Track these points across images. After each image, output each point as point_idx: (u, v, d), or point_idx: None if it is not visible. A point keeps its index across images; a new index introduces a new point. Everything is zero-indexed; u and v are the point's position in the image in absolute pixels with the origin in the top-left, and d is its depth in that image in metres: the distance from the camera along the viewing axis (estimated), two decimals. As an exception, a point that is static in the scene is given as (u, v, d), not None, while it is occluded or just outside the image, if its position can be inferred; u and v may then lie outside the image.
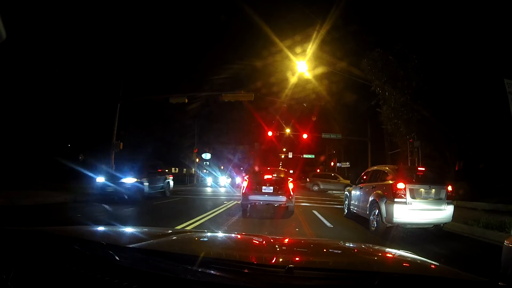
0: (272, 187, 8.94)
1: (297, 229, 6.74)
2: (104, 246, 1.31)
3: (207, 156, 34.04)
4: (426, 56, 11.97)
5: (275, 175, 9.93)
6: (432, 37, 11.82)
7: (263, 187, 8.97)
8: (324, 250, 2.02)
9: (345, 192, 9.72)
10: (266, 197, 8.89)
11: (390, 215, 6.01)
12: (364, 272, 1.27)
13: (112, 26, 19.45)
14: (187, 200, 12.81)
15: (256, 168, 13.06)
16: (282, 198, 8.73)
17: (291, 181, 9.21)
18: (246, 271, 1.10)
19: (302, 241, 2.71)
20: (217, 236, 2.32)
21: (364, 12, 17.08)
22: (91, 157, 22.87)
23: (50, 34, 16.44)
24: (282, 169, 13.51)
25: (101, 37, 19.51)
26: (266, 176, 9.46)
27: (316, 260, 1.59)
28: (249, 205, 8.82)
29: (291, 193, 8.86)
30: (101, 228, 2.10)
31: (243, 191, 9.12)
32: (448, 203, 6.25)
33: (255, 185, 9.07)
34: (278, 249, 1.94)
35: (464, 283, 1.20)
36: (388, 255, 1.77)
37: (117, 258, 1.15)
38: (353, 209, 8.46)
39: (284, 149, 44.85)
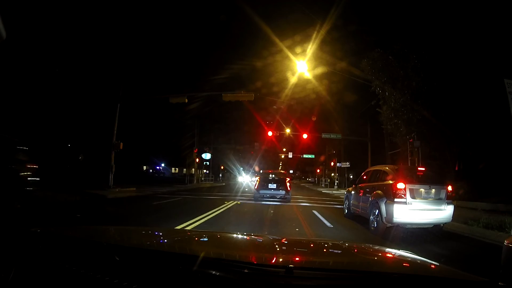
0: (275, 184, 13.13)
1: (297, 229, 6.73)
2: (104, 246, 1.31)
3: (207, 156, 34.00)
4: (426, 56, 11.96)
5: (277, 176, 13.93)
6: (432, 37, 11.82)
7: (269, 185, 13.15)
8: (324, 250, 2.01)
9: (345, 192, 9.73)
10: (271, 191, 13.05)
11: (390, 215, 6.01)
12: (364, 272, 1.27)
13: (112, 26, 19.44)
14: (187, 200, 12.81)
15: (264, 171, 17.00)
16: (282, 192, 13.00)
17: (288, 180, 13.59)
18: (246, 271, 1.10)
19: (302, 241, 2.71)
20: (217, 236, 2.32)
21: (363, 12, 17.13)
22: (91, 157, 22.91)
23: (50, 34, 16.44)
24: (282, 171, 16.91)
25: (101, 37, 19.51)
26: (271, 176, 13.70)
27: (316, 260, 1.59)
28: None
29: (289, 189, 13.15)
30: (100, 228, 2.10)
31: (256, 187, 13.45)
32: (448, 203, 6.24)
33: (263, 183, 13.26)
34: (278, 249, 1.94)
35: (464, 283, 1.20)
36: (388, 255, 1.77)
37: (117, 258, 1.15)
38: (353, 209, 8.45)
39: (284, 149, 44.92)
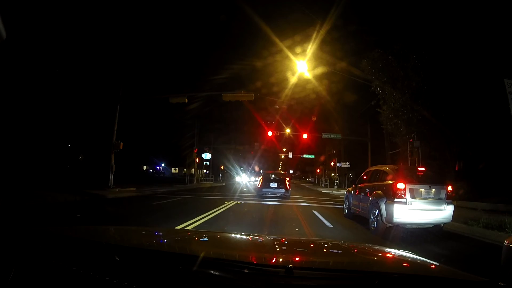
0: (276, 183, 14.81)
1: (297, 229, 6.72)
2: (104, 246, 1.31)
3: (207, 156, 33.99)
4: (426, 56, 11.95)
5: (278, 176, 15.52)
6: (432, 37, 11.81)
7: (271, 184, 14.86)
8: (324, 250, 2.01)
9: (345, 192, 9.74)
10: (273, 190, 14.73)
11: (390, 215, 6.00)
12: (364, 272, 1.27)
13: (112, 26, 19.45)
14: (187, 200, 12.80)
15: (265, 171, 18.24)
16: (282, 190, 14.65)
17: (288, 180, 15.25)
18: (246, 271, 1.10)
19: (302, 241, 2.71)
20: (217, 236, 2.32)
21: (363, 12, 17.13)
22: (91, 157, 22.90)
23: (50, 34, 16.44)
24: (282, 172, 18.43)
25: (101, 37, 19.51)
26: (272, 176, 15.32)
27: (316, 260, 1.59)
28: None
29: (288, 187, 14.87)
30: (100, 228, 2.10)
31: (258, 186, 15.45)
32: (448, 203, 6.23)
33: (265, 182, 15.00)
34: (278, 249, 1.94)
35: (464, 283, 1.20)
36: (388, 255, 1.77)
37: (117, 258, 1.15)
38: (353, 209, 8.45)
39: (284, 149, 44.93)
